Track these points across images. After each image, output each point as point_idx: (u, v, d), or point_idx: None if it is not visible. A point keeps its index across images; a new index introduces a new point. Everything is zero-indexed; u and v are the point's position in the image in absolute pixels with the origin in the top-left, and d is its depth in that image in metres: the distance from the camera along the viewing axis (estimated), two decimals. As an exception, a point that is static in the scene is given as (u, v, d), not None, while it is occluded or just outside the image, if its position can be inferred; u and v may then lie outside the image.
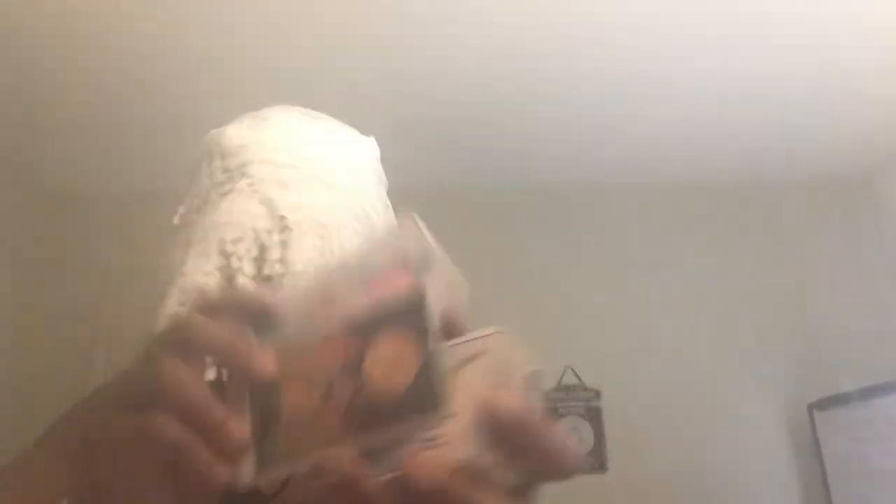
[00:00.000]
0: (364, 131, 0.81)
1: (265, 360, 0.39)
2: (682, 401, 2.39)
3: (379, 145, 0.83)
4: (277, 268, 0.62)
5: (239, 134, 0.70)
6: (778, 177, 2.66)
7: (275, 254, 0.62)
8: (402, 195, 2.84)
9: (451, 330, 0.39)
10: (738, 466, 2.29)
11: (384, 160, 0.83)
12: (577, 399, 2.41)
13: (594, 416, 2.39)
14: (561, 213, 2.71)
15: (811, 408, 2.27)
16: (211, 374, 0.40)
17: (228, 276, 0.62)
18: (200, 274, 0.62)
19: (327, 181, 0.69)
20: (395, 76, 2.10)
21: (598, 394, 2.42)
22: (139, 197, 2.29)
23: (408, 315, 0.37)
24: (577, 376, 2.45)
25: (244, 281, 0.61)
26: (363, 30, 1.91)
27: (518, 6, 1.82)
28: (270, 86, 2.10)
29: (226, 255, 0.63)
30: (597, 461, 2.33)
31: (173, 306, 0.60)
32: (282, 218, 0.64)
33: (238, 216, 0.64)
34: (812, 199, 2.68)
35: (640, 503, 2.26)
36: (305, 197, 0.67)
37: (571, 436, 2.37)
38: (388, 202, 0.79)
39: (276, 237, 0.63)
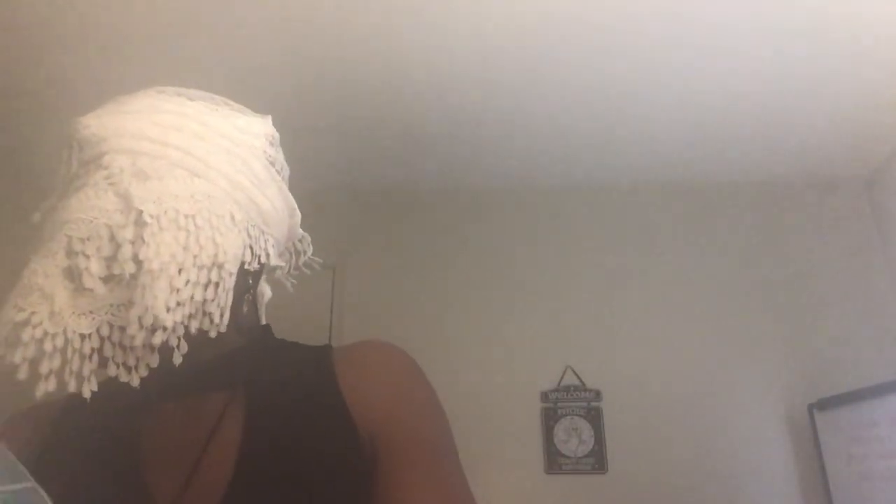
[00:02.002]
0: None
1: None
2: (681, 401, 2.39)
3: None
4: (129, 266, 0.56)
5: (97, 122, 0.65)
6: (778, 177, 2.67)
7: (126, 251, 0.57)
8: (401, 195, 2.86)
9: None
10: (738, 467, 2.29)
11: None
12: (577, 399, 2.41)
13: (594, 416, 2.39)
14: (562, 214, 2.72)
15: (811, 408, 2.27)
16: None
17: (74, 277, 0.57)
18: (41, 276, 0.56)
19: (196, 169, 0.63)
20: (390, 77, 2.10)
21: (598, 394, 2.42)
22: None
23: None
24: (577, 376, 2.45)
25: (91, 282, 0.56)
26: (357, 36, 1.91)
27: (509, 4, 1.82)
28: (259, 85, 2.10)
29: (73, 255, 0.57)
30: (597, 461, 2.33)
31: (10, 313, 0.55)
32: (139, 212, 0.58)
33: (89, 212, 0.58)
34: (812, 199, 2.68)
35: (640, 503, 2.26)
36: (169, 187, 0.61)
37: (571, 436, 2.37)
38: (284, 185, 0.73)
39: (129, 233, 0.57)
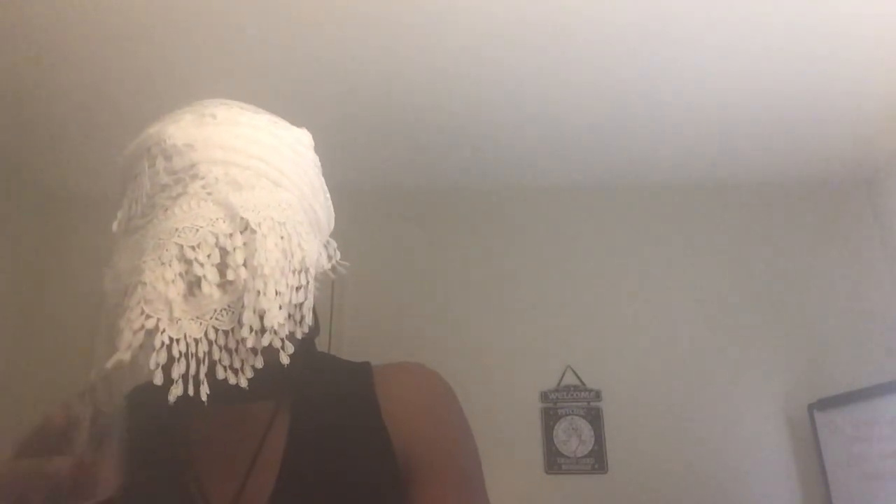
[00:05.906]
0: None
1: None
2: (682, 401, 2.39)
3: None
4: (242, 272, 0.59)
5: (183, 133, 0.66)
6: (778, 177, 2.67)
7: (238, 258, 0.60)
8: (401, 195, 2.85)
9: None
10: (738, 467, 2.29)
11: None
12: (577, 399, 2.42)
13: (594, 416, 2.39)
14: (562, 214, 2.72)
15: (811, 408, 2.27)
16: None
17: (191, 284, 0.59)
18: (162, 283, 0.58)
19: (276, 179, 0.67)
20: (390, 77, 2.10)
21: (598, 394, 2.43)
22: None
23: None
24: (577, 376, 2.45)
25: (209, 288, 0.58)
26: (357, 35, 1.91)
27: (511, 3, 1.82)
28: (271, 88, 2.10)
29: (187, 262, 0.59)
30: (597, 461, 2.33)
31: (139, 320, 0.56)
32: (244, 220, 0.61)
33: (194, 220, 0.61)
34: (812, 199, 2.68)
35: (640, 503, 2.26)
36: (261, 197, 0.64)
37: (571, 436, 2.37)
38: (327, 189, 0.77)
39: (238, 240, 0.60)
